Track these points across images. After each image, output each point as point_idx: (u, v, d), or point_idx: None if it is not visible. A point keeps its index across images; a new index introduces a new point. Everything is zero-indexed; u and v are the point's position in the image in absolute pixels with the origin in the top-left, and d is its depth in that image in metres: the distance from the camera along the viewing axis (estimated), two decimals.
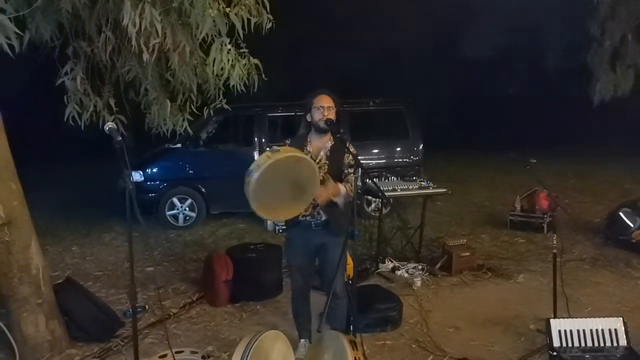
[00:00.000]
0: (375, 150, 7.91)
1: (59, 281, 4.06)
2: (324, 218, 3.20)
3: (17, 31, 2.76)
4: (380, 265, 5.27)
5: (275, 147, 2.90)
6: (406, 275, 5.06)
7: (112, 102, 3.81)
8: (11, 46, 2.77)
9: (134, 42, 3.03)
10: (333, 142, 3.22)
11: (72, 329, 3.75)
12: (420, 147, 7.90)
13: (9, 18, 2.70)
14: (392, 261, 5.32)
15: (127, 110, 3.96)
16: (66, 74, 3.54)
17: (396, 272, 5.13)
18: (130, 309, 2.51)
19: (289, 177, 2.90)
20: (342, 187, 3.11)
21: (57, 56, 3.55)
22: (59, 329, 3.62)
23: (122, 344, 3.72)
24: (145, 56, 3.16)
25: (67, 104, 3.63)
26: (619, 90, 6.71)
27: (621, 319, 3.23)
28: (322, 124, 3.14)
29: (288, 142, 3.34)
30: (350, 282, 3.36)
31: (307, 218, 3.21)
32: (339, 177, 3.18)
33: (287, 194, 2.94)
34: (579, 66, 7.39)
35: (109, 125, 2.54)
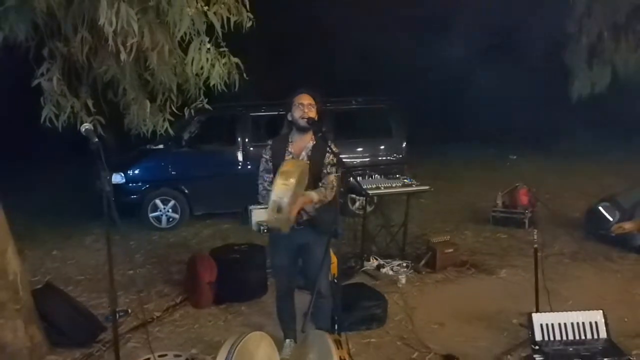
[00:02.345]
0: (359, 149, 7.92)
1: (38, 286, 3.99)
2: (305, 217, 3.19)
3: None
4: (365, 263, 5.29)
5: (280, 169, 2.86)
6: (391, 272, 5.08)
7: (90, 102, 3.74)
8: None
9: (110, 42, 2.98)
10: (315, 142, 3.21)
11: (52, 335, 3.68)
12: (404, 145, 7.94)
13: None
14: (376, 259, 5.34)
15: (105, 111, 3.89)
16: (42, 74, 3.46)
17: (381, 269, 5.14)
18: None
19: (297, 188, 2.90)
20: (314, 195, 3.06)
21: (32, 56, 3.47)
22: (38, 335, 3.55)
23: (104, 348, 3.66)
24: (123, 56, 3.11)
25: (44, 106, 3.56)
26: (597, 87, 6.83)
27: (601, 311, 3.28)
28: (302, 122, 3.12)
29: (270, 142, 3.33)
30: (335, 280, 3.36)
31: None
32: (319, 176, 3.16)
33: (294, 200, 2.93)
34: (557, 63, 7.50)
35: (86, 126, 2.50)
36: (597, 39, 6.81)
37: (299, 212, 3.03)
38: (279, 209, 2.75)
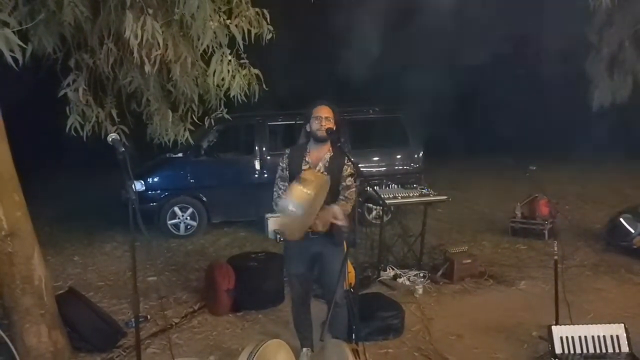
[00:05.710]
0: (376, 158, 7.93)
1: (61, 291, 4.07)
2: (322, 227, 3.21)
3: (21, 44, 2.78)
4: (382, 273, 5.27)
5: (300, 177, 2.89)
6: (408, 282, 5.06)
7: (114, 112, 3.85)
8: (15, 59, 2.80)
9: (135, 54, 3.06)
10: (332, 153, 3.24)
11: (74, 340, 3.75)
12: (420, 155, 7.93)
13: (13, 31, 2.73)
14: (393, 269, 5.32)
15: (128, 120, 3.99)
16: (68, 85, 3.57)
17: (398, 279, 5.13)
18: (132, 319, 2.52)
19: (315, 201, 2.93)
20: (338, 212, 3.08)
21: (59, 68, 3.59)
22: (61, 340, 3.62)
23: (124, 354, 3.72)
24: (147, 67, 3.20)
25: (69, 115, 3.66)
26: (618, 97, 6.74)
27: (623, 325, 3.23)
28: (320, 134, 3.17)
29: (287, 151, 3.37)
30: (351, 290, 3.37)
31: None
32: (336, 187, 3.19)
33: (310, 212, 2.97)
34: (577, 72, 7.42)
35: (112, 136, 2.57)
36: (618, 49, 6.73)
37: (331, 226, 3.09)
38: (303, 182, 2.78)
